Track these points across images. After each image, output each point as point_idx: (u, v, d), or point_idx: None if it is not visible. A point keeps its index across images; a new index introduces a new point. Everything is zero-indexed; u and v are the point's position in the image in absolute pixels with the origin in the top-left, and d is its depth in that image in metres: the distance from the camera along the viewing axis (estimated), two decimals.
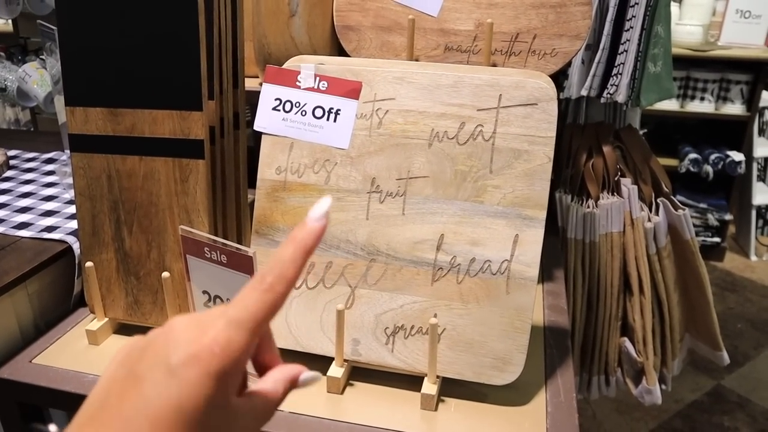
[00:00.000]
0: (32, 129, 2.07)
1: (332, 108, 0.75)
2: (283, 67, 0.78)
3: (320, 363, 0.78)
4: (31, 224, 0.97)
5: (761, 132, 2.94)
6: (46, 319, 0.90)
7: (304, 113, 0.76)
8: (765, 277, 2.85)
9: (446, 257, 0.73)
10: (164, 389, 0.32)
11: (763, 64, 2.58)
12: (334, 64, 0.77)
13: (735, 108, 2.70)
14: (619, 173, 1.16)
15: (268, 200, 0.78)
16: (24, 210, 1.03)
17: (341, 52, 0.96)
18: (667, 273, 1.16)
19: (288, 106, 0.77)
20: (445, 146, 0.73)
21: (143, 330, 0.84)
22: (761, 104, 2.68)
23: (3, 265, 0.86)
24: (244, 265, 0.70)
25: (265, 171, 0.78)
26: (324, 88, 0.76)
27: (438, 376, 0.74)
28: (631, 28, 1.06)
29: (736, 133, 2.76)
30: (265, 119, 0.77)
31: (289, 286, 0.35)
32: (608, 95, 1.10)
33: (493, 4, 0.90)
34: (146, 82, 0.76)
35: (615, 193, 1.15)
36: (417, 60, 0.92)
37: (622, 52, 1.08)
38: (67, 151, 1.22)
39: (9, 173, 1.20)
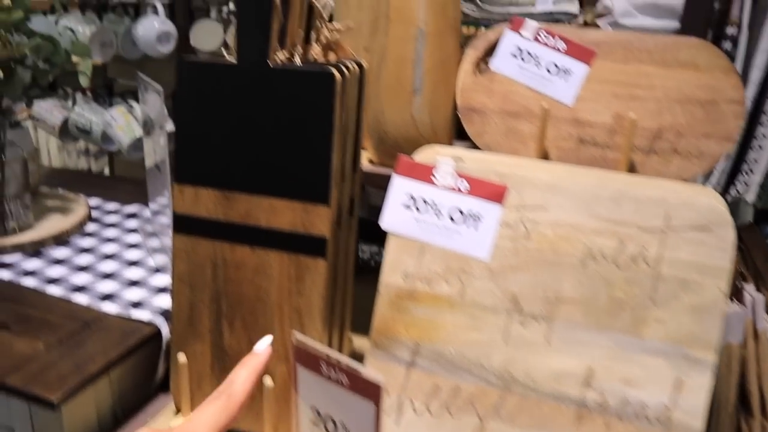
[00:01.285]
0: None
1: (473, 212, 0.67)
2: (416, 159, 0.70)
3: None
4: (116, 296, 0.90)
5: None
6: (124, 406, 0.83)
7: (439, 214, 0.68)
8: None
9: (594, 395, 0.64)
10: None
11: None
12: (475, 161, 0.69)
13: None
14: (740, 277, 1.06)
15: (391, 309, 0.69)
16: (108, 276, 0.96)
17: (461, 134, 0.89)
18: None
19: (422, 205, 0.69)
20: (601, 268, 0.64)
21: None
22: None
23: (89, 348, 0.79)
24: (369, 392, 0.62)
25: (390, 275, 0.70)
26: (464, 189, 0.68)
27: None
28: None
29: None
30: (394, 217, 0.70)
31: (241, 405, 0.45)
32: (736, 193, 1.01)
33: (635, 96, 0.82)
34: (268, 167, 0.69)
35: (735, 300, 1.04)
36: (547, 151, 0.84)
37: (756, 148, 0.99)
38: (152, 206, 1.16)
39: (90, 227, 1.14)
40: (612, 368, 0.64)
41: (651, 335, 0.63)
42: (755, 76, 0.95)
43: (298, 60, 0.72)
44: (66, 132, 1.53)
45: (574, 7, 1.12)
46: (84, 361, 0.76)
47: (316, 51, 0.77)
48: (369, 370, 0.61)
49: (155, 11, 1.45)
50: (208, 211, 0.72)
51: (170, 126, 1.43)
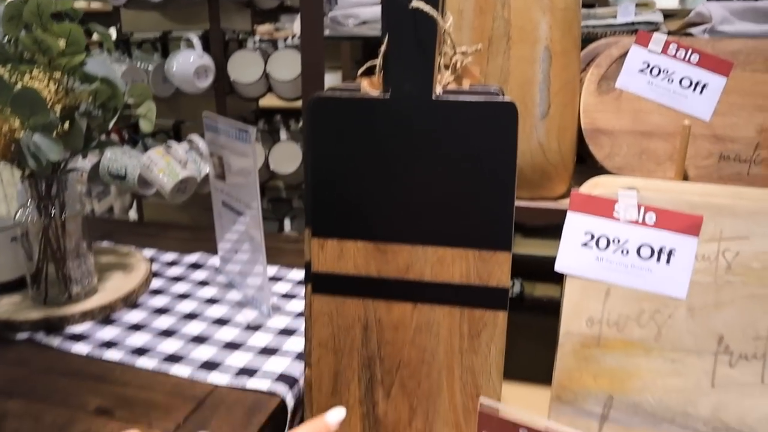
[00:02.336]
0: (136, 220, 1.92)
1: (664, 247, 0.61)
2: (592, 192, 0.63)
3: None
4: (219, 363, 0.81)
5: None
6: None
7: (625, 252, 0.61)
8: None
9: None
10: None
11: None
12: (659, 191, 0.62)
13: None
14: None
15: (575, 358, 0.62)
16: (199, 340, 0.87)
17: (585, 158, 0.83)
18: None
19: (603, 243, 0.62)
20: None
21: None
22: None
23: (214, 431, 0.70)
24: None
25: (573, 322, 0.63)
26: (652, 222, 0.61)
27: None
28: None
29: None
30: (571, 257, 0.63)
31: None
32: None
33: None
34: (433, 212, 0.61)
35: None
36: (686, 172, 0.78)
37: None
38: (221, 251, 1.07)
39: (156, 283, 1.05)
40: None
41: None
42: None
43: (439, 89, 0.65)
44: (94, 178, 1.43)
45: (657, 17, 1.08)
46: None
47: (446, 78, 0.71)
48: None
49: (190, 45, 1.37)
50: (356, 268, 0.64)
51: (205, 168, 1.35)
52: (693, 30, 1.04)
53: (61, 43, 0.80)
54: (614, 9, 1.11)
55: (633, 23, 1.09)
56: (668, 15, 1.16)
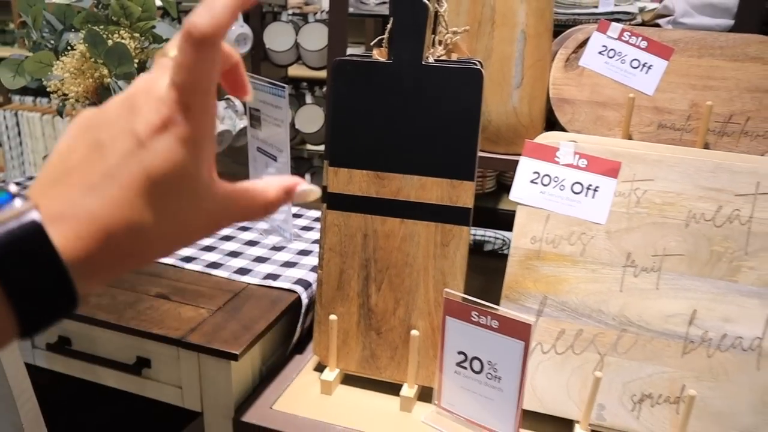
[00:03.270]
0: None
1: (591, 185, 0.81)
2: (539, 142, 0.83)
3: (560, 425, 0.82)
4: (250, 270, 1.03)
5: None
6: (268, 365, 0.95)
7: (562, 188, 0.81)
8: None
9: (698, 331, 0.77)
10: (132, 157, 0.31)
11: None
12: (591, 143, 0.82)
13: None
14: None
15: (520, 267, 0.83)
16: (234, 255, 1.09)
17: (550, 122, 1.02)
18: None
19: (546, 180, 0.82)
20: (702, 227, 0.78)
21: (372, 384, 0.89)
22: None
23: (247, 313, 0.91)
24: (519, 332, 0.75)
25: (520, 239, 0.83)
26: (583, 166, 0.81)
27: None
28: None
29: None
30: (522, 190, 0.83)
31: (222, 33, 0.31)
32: None
33: (709, 86, 0.95)
34: (418, 149, 0.81)
35: None
36: (631, 136, 0.97)
37: None
38: None
39: None
40: (713, 309, 0.77)
41: (745, 280, 0.76)
42: None
43: (431, 59, 0.85)
44: None
45: (633, 8, 1.26)
46: (249, 322, 0.89)
47: (439, 51, 0.90)
48: (519, 314, 0.74)
49: None
50: (361, 190, 0.85)
51: (242, 122, 1.55)
52: (660, 21, 1.23)
53: (138, 9, 1.01)
54: (596, 0, 1.29)
55: (612, 12, 1.27)
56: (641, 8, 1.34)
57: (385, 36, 0.82)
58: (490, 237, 1.54)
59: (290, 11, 1.73)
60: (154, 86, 0.32)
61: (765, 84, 0.93)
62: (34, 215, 0.30)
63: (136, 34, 0.99)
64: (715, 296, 0.77)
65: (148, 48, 1.05)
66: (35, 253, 0.29)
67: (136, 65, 0.98)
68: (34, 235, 0.29)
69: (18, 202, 0.30)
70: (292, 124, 1.71)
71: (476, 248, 1.52)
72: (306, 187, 0.37)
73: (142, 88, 0.32)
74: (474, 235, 1.63)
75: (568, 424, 0.82)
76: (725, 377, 0.77)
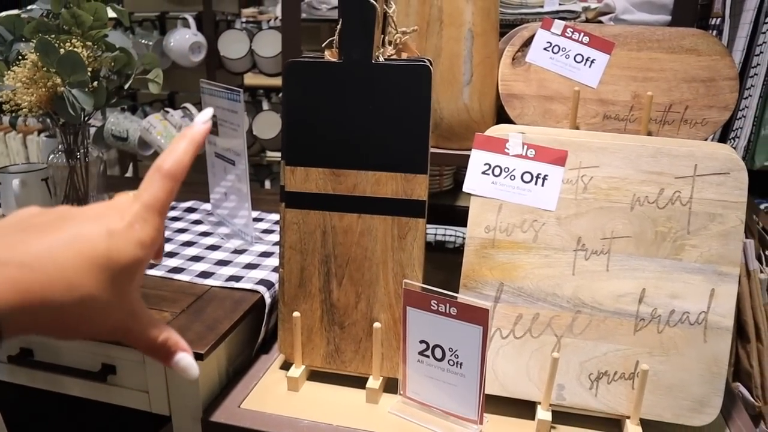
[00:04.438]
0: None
1: (540, 173, 0.84)
2: (489, 135, 0.86)
3: (523, 408, 0.84)
4: (213, 273, 1.04)
5: None
6: (235, 366, 0.96)
7: (512, 177, 0.84)
8: None
9: (648, 309, 0.81)
10: (99, 239, 0.36)
11: None
12: (537, 134, 0.85)
13: None
14: None
15: (476, 256, 0.85)
16: (196, 259, 1.09)
17: (501, 117, 1.05)
18: None
19: (497, 171, 0.85)
20: (646, 210, 0.82)
21: (338, 378, 0.90)
22: None
23: (211, 314, 0.92)
24: (477, 318, 0.77)
25: (475, 229, 0.86)
26: (532, 156, 0.84)
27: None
28: (750, 96, 1.17)
29: None
30: (474, 182, 0.85)
31: (183, 171, 0.41)
32: None
33: (649, 78, 0.99)
34: (372, 146, 0.84)
35: None
36: (578, 127, 1.01)
37: (740, 117, 1.18)
38: (213, 197, 1.29)
39: None
40: (660, 286, 0.81)
41: (689, 258, 0.80)
42: (736, 58, 1.15)
43: (381, 58, 0.88)
44: (98, 140, 1.64)
45: (577, 7, 1.31)
46: (213, 323, 0.90)
47: (389, 51, 0.93)
48: (476, 300, 0.77)
49: (186, 24, 1.58)
50: (317, 187, 0.86)
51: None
52: (603, 18, 1.27)
53: (90, 18, 1.01)
54: (542, 0, 1.33)
55: (558, 11, 1.32)
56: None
57: (336, 37, 0.84)
58: (450, 235, 1.57)
59: (244, 19, 1.74)
60: (120, 204, 0.39)
61: (700, 74, 0.97)
62: None
63: (89, 43, 0.99)
64: (661, 275, 0.81)
65: (101, 56, 1.05)
66: None
67: (89, 74, 0.98)
68: None
69: None
70: (250, 131, 1.72)
71: (438, 246, 1.55)
72: (186, 361, 0.42)
73: (108, 205, 0.40)
74: (435, 234, 1.66)
75: (530, 405, 0.84)
76: (675, 351, 0.81)
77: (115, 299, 0.37)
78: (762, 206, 2.90)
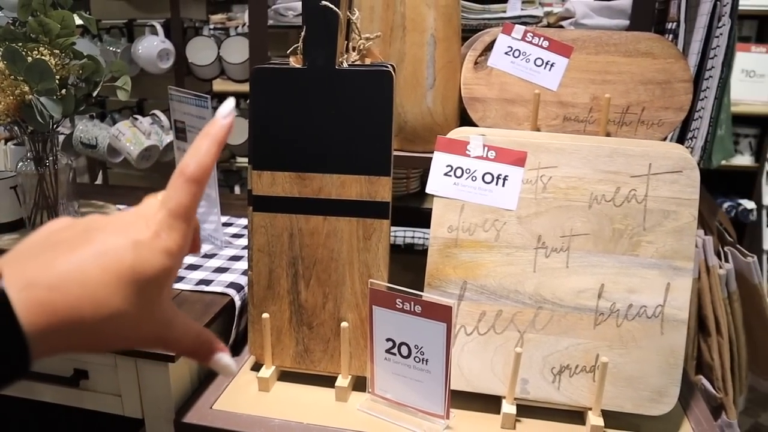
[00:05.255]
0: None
1: (500, 174, 0.86)
2: (451, 137, 0.88)
3: (488, 402, 0.87)
4: (183, 277, 1.05)
5: None
6: (205, 369, 0.97)
7: (474, 179, 0.87)
8: None
9: (607, 304, 0.84)
10: (125, 252, 0.35)
11: None
12: (498, 136, 0.88)
13: (745, 159, 2.93)
14: None
15: (440, 256, 0.87)
16: None
17: (464, 121, 1.08)
18: (737, 315, 1.28)
19: (459, 172, 0.87)
20: (603, 208, 0.84)
21: (308, 378, 0.92)
22: None
23: None
24: (441, 315, 0.79)
25: (438, 229, 0.88)
26: (492, 157, 0.86)
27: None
28: (706, 98, 1.21)
29: (746, 183, 2.99)
30: (437, 183, 0.88)
31: (207, 173, 0.40)
32: None
33: (607, 80, 1.02)
34: (337, 149, 0.85)
35: None
36: (539, 129, 1.04)
37: (697, 119, 1.22)
38: None
39: None
40: (618, 282, 0.83)
41: (645, 254, 0.83)
42: (692, 61, 1.18)
43: (345, 64, 0.89)
44: (67, 148, 1.64)
45: (538, 12, 1.34)
46: None
47: (353, 57, 0.95)
48: (439, 298, 0.79)
49: (154, 31, 1.59)
50: (284, 191, 0.88)
51: (169, 137, 1.55)
52: (563, 23, 1.31)
53: (57, 26, 1.01)
54: (505, 5, 1.36)
55: (520, 17, 1.35)
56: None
57: (300, 44, 0.86)
58: (419, 237, 1.59)
59: (212, 26, 1.75)
60: (146, 211, 0.39)
61: (656, 77, 1.01)
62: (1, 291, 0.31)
63: (56, 51, 0.99)
64: (619, 270, 0.84)
65: (68, 64, 1.06)
66: None
67: (57, 81, 0.99)
68: None
69: None
70: None
71: (407, 248, 1.57)
72: (225, 361, 0.42)
73: (135, 212, 0.39)
74: (404, 236, 1.68)
75: (496, 400, 0.87)
76: (634, 344, 0.83)
77: (145, 312, 0.37)
78: (725, 205, 2.97)
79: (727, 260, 1.27)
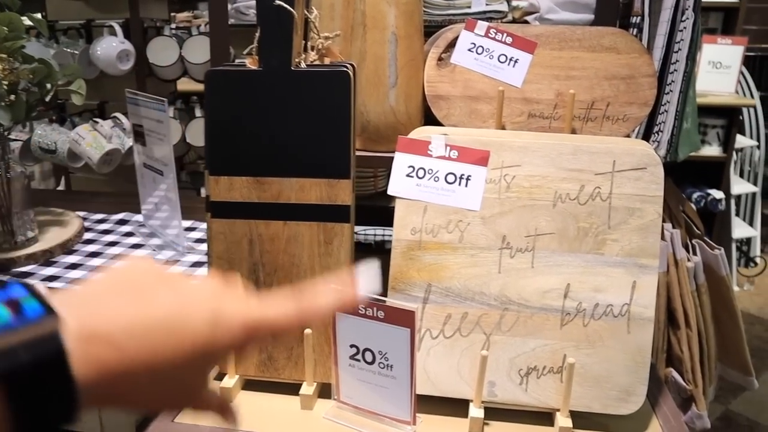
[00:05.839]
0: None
1: (463, 174, 0.84)
2: (412, 137, 0.87)
3: (456, 406, 0.85)
4: None
5: (741, 173, 3.23)
6: None
7: (436, 179, 0.85)
8: (749, 305, 3.08)
9: (573, 303, 0.83)
10: (204, 325, 0.35)
11: (735, 110, 2.85)
12: (460, 135, 0.86)
13: (713, 150, 2.96)
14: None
15: (404, 258, 0.86)
16: None
17: (429, 119, 1.06)
18: (705, 307, 1.28)
19: (421, 173, 0.85)
20: (568, 206, 0.83)
21: (272, 386, 0.89)
22: (736, 146, 2.94)
23: None
24: (404, 320, 0.78)
25: (401, 232, 0.86)
26: (455, 157, 0.85)
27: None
28: (671, 91, 1.20)
29: (715, 173, 3.01)
30: (399, 185, 0.86)
31: (306, 325, 0.41)
32: None
33: (571, 76, 1.01)
34: (295, 152, 0.83)
35: None
36: (504, 126, 1.02)
37: (662, 113, 1.22)
38: (145, 209, 1.26)
39: (87, 235, 1.23)
40: (584, 281, 0.82)
41: (610, 252, 0.82)
42: (657, 55, 1.18)
43: (303, 64, 0.87)
44: (25, 154, 1.59)
45: (503, 7, 1.32)
46: None
47: (312, 57, 0.92)
48: (402, 303, 0.77)
49: (113, 32, 1.55)
50: (242, 196, 0.85)
51: (131, 140, 1.52)
52: (528, 18, 1.29)
53: (4, 29, 0.98)
54: (469, 1, 1.34)
55: (485, 12, 1.33)
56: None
57: (254, 44, 0.84)
58: (389, 236, 1.57)
59: (173, 25, 1.71)
60: (240, 297, 0.38)
61: (620, 72, 1.00)
62: (59, 340, 0.30)
63: (3, 55, 0.96)
64: (585, 269, 0.83)
65: (18, 69, 1.02)
66: (49, 379, 0.30)
67: (5, 87, 0.95)
68: (53, 362, 0.30)
69: (47, 320, 0.30)
70: (184, 139, 1.69)
71: (378, 247, 1.55)
72: (237, 415, 0.43)
73: (224, 291, 0.38)
74: (374, 235, 1.66)
75: (463, 403, 0.85)
76: (601, 343, 0.82)
77: (198, 381, 0.37)
78: (694, 195, 3.00)
79: (695, 253, 1.27)
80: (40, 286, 0.32)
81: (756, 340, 2.80)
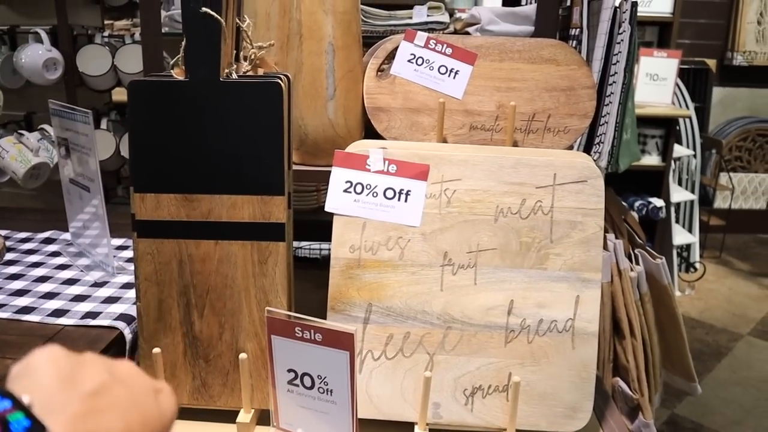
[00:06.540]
0: None
1: (402, 189, 0.82)
2: (349, 151, 0.83)
3: (400, 429, 0.82)
4: (67, 311, 0.95)
5: (680, 181, 3.31)
6: None
7: (375, 194, 0.82)
8: (690, 309, 3.15)
9: (517, 320, 0.81)
10: (150, 397, 0.42)
11: (673, 121, 2.93)
12: (399, 149, 0.83)
13: (653, 159, 3.02)
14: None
15: (343, 277, 0.82)
16: (50, 296, 1.00)
17: (369, 132, 1.03)
18: (649, 316, 1.29)
19: (359, 188, 0.82)
20: (510, 221, 0.81)
21: (207, 413, 0.85)
22: (674, 155, 3.02)
23: None
24: (343, 343, 0.74)
25: (339, 250, 0.82)
26: (393, 171, 0.82)
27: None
28: (610, 103, 1.20)
29: (655, 182, 3.07)
30: (336, 201, 0.82)
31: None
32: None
33: (512, 88, 1.00)
34: (225, 168, 0.79)
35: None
36: (445, 139, 1.00)
37: (603, 124, 1.22)
38: (73, 227, 1.19)
39: (9, 256, 1.16)
40: (528, 297, 0.80)
41: (553, 267, 0.81)
42: (596, 66, 1.18)
43: (234, 75, 0.83)
44: None
45: (445, 18, 1.31)
46: None
47: (244, 67, 0.88)
48: (341, 325, 0.74)
49: (39, 39, 1.47)
50: (170, 214, 0.81)
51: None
52: (470, 29, 1.28)
53: None
54: (411, 12, 1.33)
55: (426, 23, 1.32)
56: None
57: (180, 54, 0.79)
58: None
59: (107, 33, 1.64)
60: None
61: (560, 83, 0.99)
62: None
63: None
64: (528, 285, 0.81)
65: None
66: None
67: None
68: None
69: None
70: (119, 152, 1.62)
71: (324, 263, 1.51)
72: None
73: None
74: (320, 249, 1.62)
75: (408, 426, 0.82)
76: (546, 360, 0.80)
77: None
78: (636, 204, 3.05)
79: (637, 262, 1.28)
80: (25, 398, 0.34)
81: (697, 343, 2.87)
